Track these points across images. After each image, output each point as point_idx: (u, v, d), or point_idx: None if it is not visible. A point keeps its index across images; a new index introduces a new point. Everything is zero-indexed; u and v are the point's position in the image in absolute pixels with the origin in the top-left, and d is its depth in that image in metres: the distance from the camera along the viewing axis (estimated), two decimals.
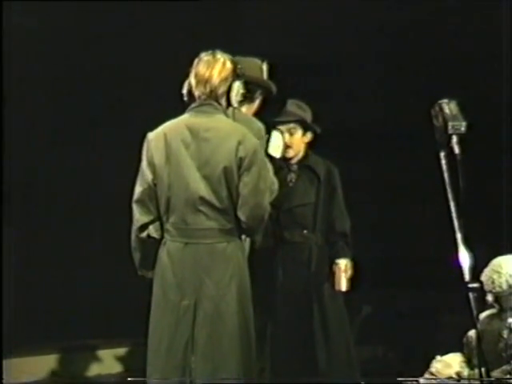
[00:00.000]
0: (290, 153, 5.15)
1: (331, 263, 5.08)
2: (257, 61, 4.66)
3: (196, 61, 3.89)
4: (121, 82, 6.51)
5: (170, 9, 6.51)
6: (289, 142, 5.11)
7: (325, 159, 5.25)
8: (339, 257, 5.07)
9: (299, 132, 5.16)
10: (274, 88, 4.68)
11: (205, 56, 3.88)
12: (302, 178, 5.16)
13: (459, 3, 6.78)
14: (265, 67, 4.65)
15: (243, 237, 4.17)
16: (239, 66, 3.92)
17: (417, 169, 6.56)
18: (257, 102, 4.65)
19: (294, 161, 5.20)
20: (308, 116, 5.19)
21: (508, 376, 4.71)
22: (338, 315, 5.08)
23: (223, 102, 3.89)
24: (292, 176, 5.18)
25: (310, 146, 5.25)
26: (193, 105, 3.86)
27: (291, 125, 5.12)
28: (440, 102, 4.00)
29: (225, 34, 6.47)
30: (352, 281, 5.12)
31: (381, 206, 6.54)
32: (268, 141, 4.68)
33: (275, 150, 4.70)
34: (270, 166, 4.48)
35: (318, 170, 5.18)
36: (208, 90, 3.83)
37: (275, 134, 4.74)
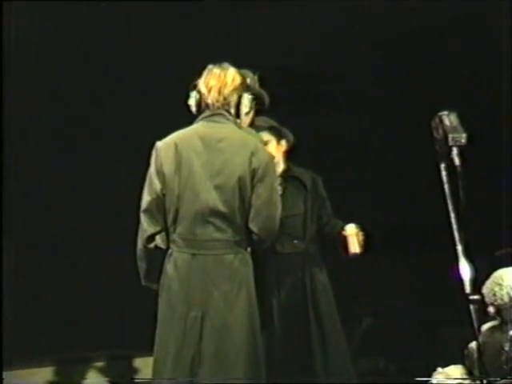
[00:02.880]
0: None
1: (338, 232, 5.01)
2: (248, 72, 4.66)
3: (206, 72, 3.91)
4: (123, 87, 6.51)
5: (169, 19, 6.52)
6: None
7: (307, 169, 5.23)
8: (343, 224, 5.02)
9: (273, 141, 5.13)
10: (267, 100, 4.67)
11: (213, 68, 3.91)
12: (289, 189, 5.12)
13: (458, 13, 6.79)
14: (257, 79, 4.65)
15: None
16: (248, 79, 3.93)
17: (417, 180, 6.57)
18: (251, 114, 4.65)
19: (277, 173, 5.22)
20: (278, 126, 5.17)
21: None
22: (334, 323, 5.05)
23: (233, 112, 3.89)
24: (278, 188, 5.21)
25: (287, 156, 5.19)
26: (204, 114, 3.87)
27: (265, 136, 5.09)
28: (440, 113, 4.00)
29: (220, 44, 6.48)
30: (365, 245, 5.01)
31: (380, 217, 6.52)
32: None
33: None
34: None
35: (304, 180, 5.16)
36: (222, 97, 3.85)
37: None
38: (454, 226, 3.94)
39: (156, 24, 6.53)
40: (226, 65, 3.91)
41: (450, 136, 3.92)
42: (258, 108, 4.64)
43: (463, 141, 3.91)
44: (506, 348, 4.84)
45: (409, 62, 6.96)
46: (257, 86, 4.63)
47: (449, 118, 3.98)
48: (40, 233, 6.46)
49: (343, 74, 6.96)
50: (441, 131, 3.97)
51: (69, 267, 6.52)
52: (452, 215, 3.98)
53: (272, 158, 3.88)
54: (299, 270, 5.05)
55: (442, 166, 4.04)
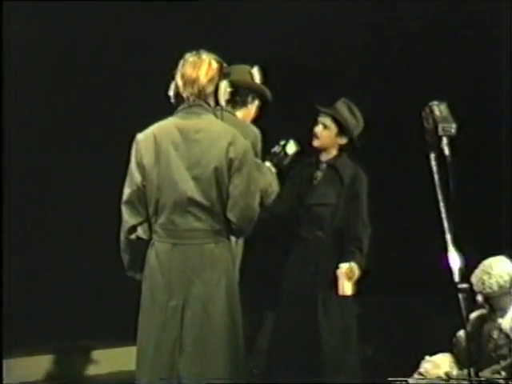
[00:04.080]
0: (315, 142, 5.14)
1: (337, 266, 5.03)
2: (245, 66, 4.67)
3: (181, 62, 3.90)
4: (108, 81, 6.51)
5: (157, 10, 6.51)
6: (318, 132, 5.12)
7: (355, 164, 5.21)
8: (344, 260, 5.01)
9: (333, 129, 5.11)
10: (267, 92, 4.67)
11: (190, 57, 3.89)
12: (327, 178, 5.14)
13: (448, 6, 6.80)
14: (255, 72, 4.65)
15: (234, 239, 4.20)
16: (225, 65, 3.92)
17: (407, 170, 6.59)
18: (251, 108, 4.64)
19: (323, 159, 5.19)
20: (353, 123, 5.15)
21: (497, 375, 4.75)
22: (344, 317, 5.04)
23: (211, 102, 3.89)
24: (318, 174, 5.16)
25: (344, 150, 5.20)
26: (182, 106, 3.88)
27: (328, 120, 5.10)
28: (430, 104, 4.02)
29: (214, 37, 6.48)
30: (358, 285, 5.03)
31: (371, 208, 6.55)
32: (285, 145, 4.70)
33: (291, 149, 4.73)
34: (268, 169, 4.51)
35: (343, 173, 5.15)
36: (196, 90, 3.84)
37: (291, 143, 4.75)
38: (444, 216, 3.97)
39: (144, 17, 6.52)
40: (202, 53, 3.89)
41: (440, 126, 3.94)
42: (262, 102, 4.67)
43: (453, 131, 3.93)
44: (495, 336, 4.87)
45: (398, 52, 6.99)
46: (256, 78, 4.65)
47: (439, 108, 4.00)
48: (36, 222, 6.45)
49: (328, 66, 6.98)
50: (431, 121, 3.98)
51: (66, 256, 6.52)
52: (441, 204, 3.99)
53: (250, 147, 3.87)
54: (316, 259, 5.05)
55: (432, 155, 4.06)
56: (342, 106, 5.13)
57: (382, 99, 6.96)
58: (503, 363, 4.80)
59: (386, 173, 6.74)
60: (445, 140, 3.97)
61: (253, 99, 4.64)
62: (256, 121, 4.66)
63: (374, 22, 6.93)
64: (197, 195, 3.75)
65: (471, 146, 6.37)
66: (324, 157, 5.19)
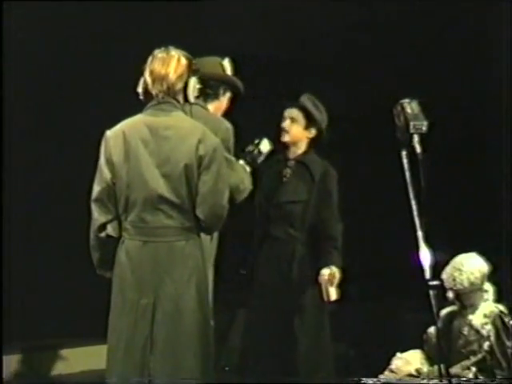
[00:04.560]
0: (285, 137, 5.08)
1: (317, 271, 4.95)
2: (216, 58, 4.64)
3: (150, 58, 3.87)
4: (107, 81, 6.48)
5: (131, 7, 6.49)
6: (287, 126, 5.06)
7: (324, 160, 5.15)
8: (325, 265, 4.94)
9: (301, 122, 5.07)
10: (239, 84, 4.64)
11: (159, 53, 3.86)
12: (297, 175, 5.08)
13: (424, 4, 6.83)
14: (227, 64, 4.62)
15: (209, 237, 4.19)
16: (194, 62, 3.90)
17: (378, 168, 6.62)
18: (223, 100, 4.61)
19: (291, 156, 5.12)
20: (319, 116, 5.12)
21: (467, 371, 4.80)
22: (318, 316, 5.02)
23: (180, 98, 3.87)
24: (287, 171, 5.09)
25: (313, 144, 5.13)
26: (151, 103, 3.85)
27: (295, 113, 5.06)
28: (402, 101, 4.02)
29: (188, 32, 6.47)
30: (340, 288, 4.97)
31: (342, 206, 6.55)
32: (259, 143, 4.68)
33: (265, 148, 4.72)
34: (242, 166, 4.49)
35: (314, 170, 5.09)
36: (165, 87, 3.82)
37: (264, 142, 4.73)
38: (415, 213, 3.97)
39: (117, 13, 6.50)
40: (170, 50, 3.87)
41: (412, 123, 3.95)
42: (234, 94, 4.64)
43: (424, 128, 3.94)
44: (465, 332, 4.91)
45: (370, 49, 7.01)
46: (227, 71, 4.62)
47: (410, 106, 4.00)
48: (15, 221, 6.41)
49: (301, 61, 6.98)
50: (402, 119, 4.00)
51: (35, 255, 6.49)
52: (413, 202, 4.01)
53: (220, 145, 3.86)
54: (289, 258, 4.99)
55: (403, 153, 4.06)
56: (305, 100, 5.11)
57: (354, 96, 6.97)
58: (473, 359, 4.85)
59: (358, 170, 6.78)
60: (416, 137, 3.98)
61: (224, 91, 4.60)
62: (228, 114, 4.62)
63: (347, 19, 6.94)
64: (167, 193, 3.74)
65: (444, 143, 6.41)
66: (292, 154, 5.13)
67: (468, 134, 6.98)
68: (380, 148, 5.71)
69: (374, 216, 7.03)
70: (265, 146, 4.84)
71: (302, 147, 5.12)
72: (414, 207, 3.98)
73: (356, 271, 6.85)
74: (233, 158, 4.41)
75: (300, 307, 4.96)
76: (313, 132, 5.09)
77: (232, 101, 4.65)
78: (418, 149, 3.98)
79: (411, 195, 4.02)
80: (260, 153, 4.83)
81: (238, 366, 5.16)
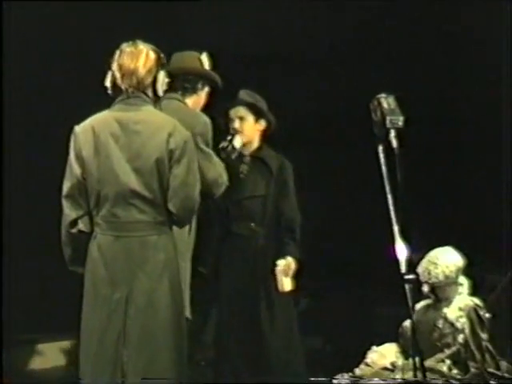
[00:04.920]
0: (239, 139, 5.04)
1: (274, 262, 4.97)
2: (194, 52, 4.64)
3: (118, 52, 3.86)
4: (79, 79, 6.46)
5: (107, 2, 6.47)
6: (239, 127, 5.04)
7: (278, 153, 5.16)
8: (281, 255, 4.96)
9: (250, 118, 5.08)
10: (217, 78, 4.64)
11: (127, 47, 3.85)
12: (254, 170, 5.08)
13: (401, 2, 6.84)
14: (205, 58, 4.62)
15: (186, 231, 4.21)
16: (162, 55, 3.91)
17: (355, 162, 6.62)
18: (202, 95, 4.61)
19: (246, 152, 5.10)
20: (264, 107, 5.13)
21: (441, 364, 4.84)
22: (285, 308, 5.03)
23: (150, 93, 3.86)
24: (244, 167, 5.08)
25: (264, 137, 5.14)
26: (120, 97, 3.84)
27: (241, 111, 5.06)
28: (378, 96, 4.04)
29: (164, 27, 6.46)
30: (296, 278, 4.97)
31: (319, 200, 6.53)
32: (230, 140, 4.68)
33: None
34: (216, 160, 4.50)
35: (271, 164, 5.10)
36: (135, 82, 3.81)
37: (237, 137, 4.73)
38: (391, 207, 4.00)
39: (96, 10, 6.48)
40: (138, 43, 3.86)
41: (388, 118, 3.97)
42: (212, 88, 4.65)
43: (400, 123, 3.96)
44: (440, 325, 4.96)
45: (349, 45, 7.01)
46: (205, 65, 4.63)
47: (387, 101, 4.02)
48: None
49: (281, 57, 6.98)
50: (379, 113, 4.01)
51: (13, 248, 6.46)
52: (389, 196, 4.03)
53: (190, 138, 3.87)
54: (252, 253, 5.00)
55: (380, 148, 4.08)
56: (246, 96, 5.11)
57: (330, 91, 6.98)
58: (447, 352, 4.89)
59: (334, 165, 6.78)
60: (392, 132, 3.99)
61: (203, 86, 4.60)
62: (207, 108, 4.63)
63: (327, 13, 6.95)
64: (139, 187, 3.74)
65: (422, 138, 6.43)
66: (247, 149, 5.12)
67: (444, 129, 7.00)
68: (356, 143, 5.75)
69: (349, 210, 7.03)
70: (237, 141, 4.89)
71: (255, 142, 5.13)
72: (390, 201, 4.00)
73: (331, 265, 6.92)
74: (211, 152, 4.41)
75: (267, 302, 4.96)
76: (262, 124, 5.11)
77: (210, 95, 4.65)
78: (395, 143, 3.98)
79: (387, 189, 4.05)
80: (234, 149, 4.87)
81: (213, 361, 5.14)
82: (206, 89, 4.62)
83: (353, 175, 6.83)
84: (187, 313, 4.25)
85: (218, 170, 4.37)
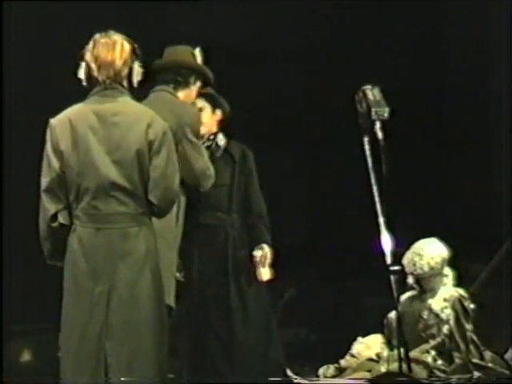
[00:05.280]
0: (202, 130, 5.07)
1: (250, 251, 4.92)
2: (187, 47, 4.65)
3: (91, 43, 3.82)
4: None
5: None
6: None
7: (238, 142, 5.12)
8: (256, 244, 4.93)
9: (208, 109, 5.09)
10: (209, 73, 4.65)
11: (101, 38, 3.81)
12: (217, 159, 4.97)
13: None
14: (198, 53, 4.64)
15: (174, 221, 4.22)
16: (136, 46, 3.89)
17: (341, 154, 6.59)
18: (193, 89, 4.61)
19: (206, 140, 5.01)
20: (219, 96, 5.13)
21: (426, 354, 4.83)
22: (258, 298, 5.03)
23: (125, 83, 3.82)
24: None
25: (222, 126, 5.07)
26: (96, 89, 3.80)
27: (199, 103, 5.05)
28: (364, 88, 4.07)
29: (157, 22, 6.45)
30: (274, 265, 5.03)
31: (305, 192, 6.53)
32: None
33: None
34: (204, 151, 4.50)
35: (233, 152, 5.07)
36: (112, 73, 3.77)
37: (220, 136, 4.72)
38: (376, 199, 4.01)
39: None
40: (114, 35, 3.80)
41: (373, 110, 3.99)
42: (203, 82, 4.65)
43: (386, 115, 3.98)
44: (425, 316, 4.96)
45: (333, 36, 7.01)
46: (198, 59, 4.63)
47: (372, 92, 4.04)
48: None
49: (263, 51, 6.98)
50: (364, 105, 4.03)
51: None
52: (374, 188, 4.05)
53: (168, 129, 3.81)
54: (222, 243, 4.98)
55: (365, 139, 4.10)
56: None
57: (315, 84, 6.98)
58: (432, 342, 4.90)
59: (320, 156, 6.77)
60: (378, 124, 4.02)
61: (195, 80, 4.60)
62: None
63: (312, 5, 6.94)
64: (119, 179, 3.71)
65: (408, 129, 6.44)
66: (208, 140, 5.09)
67: (430, 119, 7.00)
68: (342, 134, 5.73)
69: (336, 202, 7.03)
70: (220, 139, 4.92)
71: (213, 131, 5.11)
72: (376, 193, 4.02)
73: (317, 256, 6.91)
74: (199, 143, 4.41)
75: (239, 293, 4.95)
76: (219, 114, 5.10)
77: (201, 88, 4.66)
78: (380, 135, 4.02)
79: (373, 181, 4.07)
80: (218, 146, 4.88)
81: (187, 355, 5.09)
82: (198, 83, 4.62)
83: (339, 167, 6.80)
84: (171, 302, 4.27)
85: (206, 162, 4.37)
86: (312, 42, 7.05)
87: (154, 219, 3.82)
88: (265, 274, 4.93)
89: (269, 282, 4.98)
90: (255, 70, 6.80)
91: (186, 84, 4.57)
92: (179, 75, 4.51)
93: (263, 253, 4.92)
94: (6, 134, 6.04)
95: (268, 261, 4.95)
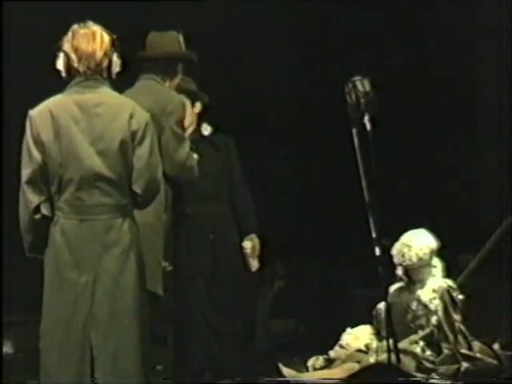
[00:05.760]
0: (185, 123, 5.05)
1: (240, 240, 4.99)
2: (174, 33, 4.63)
3: (69, 34, 3.80)
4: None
5: None
6: None
7: (223, 133, 5.16)
8: (245, 233, 4.98)
9: (188, 104, 5.10)
10: (194, 57, 4.65)
11: (80, 29, 3.79)
12: (201, 150, 4.95)
13: None
14: (181, 38, 4.62)
15: (162, 209, 4.23)
16: (114, 37, 3.85)
17: (329, 145, 6.59)
18: (179, 76, 4.64)
19: (191, 136, 4.99)
20: (193, 87, 5.16)
21: (415, 345, 4.84)
22: (246, 287, 5.07)
23: (105, 74, 3.79)
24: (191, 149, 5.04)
25: (203, 118, 5.11)
26: (76, 80, 3.78)
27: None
28: (353, 79, 4.07)
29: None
30: (263, 255, 5.02)
31: (294, 181, 6.50)
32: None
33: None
34: (186, 143, 4.49)
35: (217, 142, 5.12)
36: (93, 64, 3.75)
37: (204, 125, 4.70)
38: (365, 190, 4.03)
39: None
40: (93, 26, 3.78)
41: (363, 101, 3.99)
42: (185, 68, 4.64)
43: (375, 106, 4.00)
44: (413, 307, 4.96)
45: (322, 26, 6.97)
46: (182, 46, 4.62)
47: (362, 83, 4.05)
48: None
49: (251, 40, 6.97)
50: (353, 96, 4.03)
51: None
52: (363, 179, 4.08)
53: (150, 119, 3.78)
54: (210, 233, 5.01)
55: (354, 131, 4.11)
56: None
57: (303, 74, 6.97)
58: (421, 333, 4.90)
59: (309, 147, 6.75)
60: (367, 115, 4.03)
61: (181, 68, 4.61)
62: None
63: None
64: (104, 170, 3.70)
65: (397, 120, 6.44)
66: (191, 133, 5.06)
67: (420, 112, 7.01)
68: (331, 126, 5.77)
69: (324, 193, 7.02)
70: (205, 129, 4.90)
71: (194, 124, 5.07)
72: (364, 184, 4.03)
73: (305, 246, 6.91)
74: (182, 133, 4.40)
75: (228, 282, 4.97)
76: (198, 106, 5.10)
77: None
78: (369, 127, 4.03)
79: (361, 172, 4.07)
80: (203, 136, 4.87)
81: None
82: (182, 68, 4.62)
83: (327, 158, 6.78)
84: (159, 290, 4.31)
85: (186, 153, 4.36)
86: (301, 32, 7.05)
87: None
88: (254, 264, 4.97)
89: (256, 271, 5.03)
90: (243, 62, 6.79)
91: (174, 73, 4.57)
92: (169, 65, 4.52)
93: (252, 244, 4.94)
94: (6, 134, 6.02)
95: (257, 252, 4.98)
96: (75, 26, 3.80)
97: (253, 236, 5.00)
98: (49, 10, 6.19)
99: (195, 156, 4.53)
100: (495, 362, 4.83)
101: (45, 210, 3.71)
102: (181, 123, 4.41)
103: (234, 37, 6.88)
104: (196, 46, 4.72)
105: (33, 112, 3.76)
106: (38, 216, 3.71)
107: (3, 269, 6.23)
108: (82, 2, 6.10)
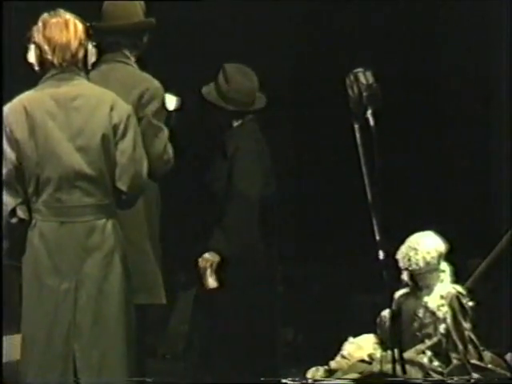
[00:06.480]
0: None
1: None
2: (135, 1, 4.21)
3: (40, 24, 3.68)
4: None
5: None
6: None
7: (242, 135, 4.89)
8: (206, 249, 4.65)
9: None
10: (153, 21, 4.21)
11: (51, 18, 3.68)
12: (216, 152, 4.81)
13: None
14: (143, 5, 4.26)
15: (154, 205, 4.11)
16: (88, 25, 3.71)
17: (330, 141, 6.59)
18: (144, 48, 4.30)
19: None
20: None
21: (422, 355, 4.73)
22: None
23: (81, 65, 3.70)
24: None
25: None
26: (51, 72, 3.66)
27: None
28: (355, 71, 3.91)
29: None
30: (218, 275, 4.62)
31: (293, 179, 6.53)
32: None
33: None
34: (165, 134, 4.17)
35: (229, 145, 4.78)
36: (69, 55, 3.64)
37: (168, 97, 4.28)
38: (368, 190, 3.87)
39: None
40: (65, 15, 3.67)
41: (365, 94, 3.85)
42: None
43: (378, 100, 3.84)
44: (420, 314, 4.86)
45: (325, 16, 6.94)
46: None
47: (364, 76, 3.89)
48: None
49: (251, 29, 6.88)
50: (355, 89, 3.89)
51: None
52: (366, 176, 3.88)
53: (132, 111, 3.67)
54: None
55: (356, 126, 3.92)
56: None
57: (304, 66, 6.92)
58: (428, 342, 4.79)
59: (309, 145, 6.71)
60: (370, 110, 3.88)
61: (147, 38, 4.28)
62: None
63: None
64: (85, 167, 3.58)
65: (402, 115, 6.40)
66: None
67: (427, 107, 7.00)
68: (332, 120, 5.63)
69: (324, 193, 7.01)
70: (170, 101, 4.22)
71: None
72: (368, 183, 3.87)
73: (306, 253, 6.89)
74: (160, 124, 4.07)
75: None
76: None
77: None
78: (372, 121, 3.87)
79: (364, 170, 3.89)
80: (168, 111, 4.20)
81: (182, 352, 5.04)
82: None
83: (328, 156, 6.77)
84: (163, 300, 4.15)
85: (164, 146, 4.02)
86: (301, 22, 7.01)
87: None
88: (211, 282, 4.58)
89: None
90: (243, 56, 6.81)
91: (142, 46, 4.27)
92: (137, 38, 4.22)
93: (204, 259, 4.60)
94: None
95: (214, 266, 4.62)
96: (45, 15, 3.67)
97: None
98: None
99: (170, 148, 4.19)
100: (508, 373, 4.72)
101: (21, 213, 3.58)
102: (159, 112, 4.12)
103: (235, 30, 6.82)
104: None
105: (5, 109, 3.62)
106: (14, 220, 3.58)
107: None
108: (82, 2, 6.14)
